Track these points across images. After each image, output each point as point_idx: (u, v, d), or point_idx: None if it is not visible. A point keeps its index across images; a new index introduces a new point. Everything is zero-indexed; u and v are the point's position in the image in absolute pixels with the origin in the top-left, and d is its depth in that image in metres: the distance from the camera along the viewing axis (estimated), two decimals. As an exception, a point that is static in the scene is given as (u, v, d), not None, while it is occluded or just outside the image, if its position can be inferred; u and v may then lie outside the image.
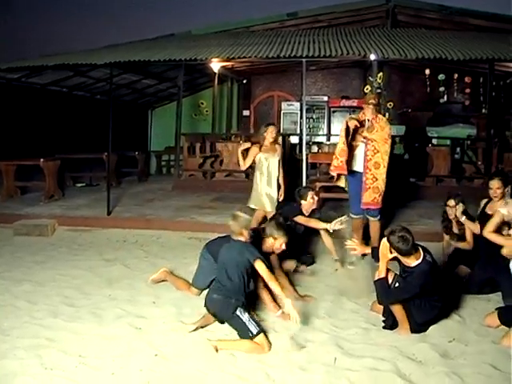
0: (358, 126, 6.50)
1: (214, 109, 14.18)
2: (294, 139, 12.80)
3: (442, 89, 15.02)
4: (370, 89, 10.30)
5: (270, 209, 6.97)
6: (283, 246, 5.02)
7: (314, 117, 15.53)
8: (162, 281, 5.74)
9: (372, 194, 6.56)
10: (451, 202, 5.96)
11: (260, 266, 4.37)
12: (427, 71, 14.56)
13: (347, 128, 6.48)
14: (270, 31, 12.45)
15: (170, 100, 16.01)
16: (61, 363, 3.84)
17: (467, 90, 14.94)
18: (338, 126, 14.94)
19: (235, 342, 4.25)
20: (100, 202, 9.41)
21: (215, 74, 13.14)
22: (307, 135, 11.45)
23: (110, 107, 8.90)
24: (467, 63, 11.87)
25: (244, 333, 4.23)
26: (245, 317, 4.30)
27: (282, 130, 14.90)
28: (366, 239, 6.79)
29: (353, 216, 6.82)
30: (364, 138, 6.58)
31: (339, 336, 4.44)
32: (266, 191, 7.03)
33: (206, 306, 4.59)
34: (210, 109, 14.84)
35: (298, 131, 14.27)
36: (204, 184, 11.63)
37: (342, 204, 8.86)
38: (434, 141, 12.37)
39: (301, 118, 10.46)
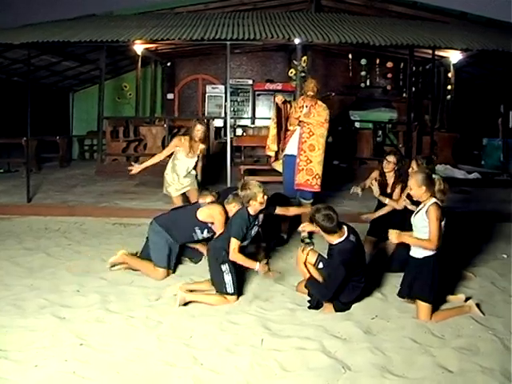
0: (284, 100, 6.68)
1: (137, 92, 13.90)
2: (219, 122, 12.76)
3: (364, 73, 15.39)
4: (294, 72, 10.38)
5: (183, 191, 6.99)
6: (265, 198, 5.00)
7: (239, 100, 15.56)
8: (121, 263, 5.65)
9: (305, 175, 6.64)
10: (390, 158, 6.14)
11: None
12: (350, 56, 14.86)
13: (277, 105, 6.62)
14: (194, 13, 12.30)
15: (92, 83, 15.59)
16: (-21, 358, 3.68)
17: (389, 75, 15.38)
18: (263, 109, 15.10)
19: (204, 296, 4.78)
20: (19, 188, 9.06)
21: (138, 56, 12.87)
22: (232, 118, 11.43)
23: (27, 90, 8.55)
24: (388, 49, 12.21)
25: (219, 287, 4.75)
26: (227, 275, 4.73)
27: (206, 114, 14.84)
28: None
29: None
30: (300, 122, 6.67)
31: (266, 317, 4.48)
32: (180, 182, 6.96)
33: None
34: (133, 92, 14.56)
35: (223, 114, 14.24)
36: (128, 169, 11.38)
37: (267, 187, 8.91)
38: (357, 124, 12.67)
39: (225, 101, 10.43)
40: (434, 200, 4.41)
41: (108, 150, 11.80)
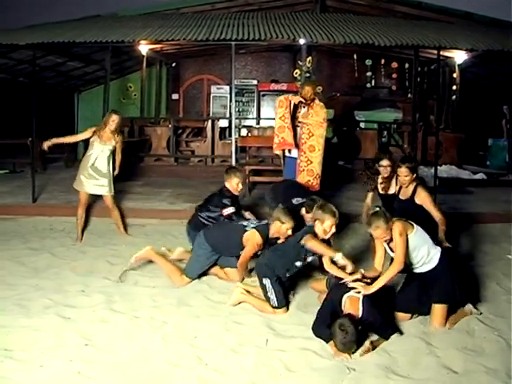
0: (303, 101, 6.67)
1: (142, 92, 13.89)
2: (224, 123, 12.76)
3: (369, 73, 15.35)
4: (299, 73, 10.38)
5: (91, 191, 7.10)
6: (289, 232, 5.04)
7: (244, 100, 15.51)
8: (144, 258, 5.68)
9: (306, 176, 6.67)
10: (384, 162, 5.70)
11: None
12: (355, 56, 14.83)
13: (290, 104, 6.64)
14: (199, 14, 12.29)
15: (98, 83, 15.57)
16: (-15, 358, 3.69)
17: (394, 75, 15.33)
18: (268, 109, 15.02)
19: (257, 300, 4.75)
20: (24, 189, 9.06)
21: (143, 56, 12.86)
22: (237, 119, 11.42)
23: (33, 90, 8.57)
24: (393, 49, 12.18)
25: (267, 300, 4.70)
26: (270, 291, 4.66)
27: (211, 114, 14.82)
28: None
29: None
30: (299, 122, 6.68)
31: (270, 318, 4.50)
32: (89, 173, 7.06)
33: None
34: (138, 92, 14.54)
35: (228, 115, 14.23)
36: (132, 169, 11.41)
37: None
38: (362, 124, 12.64)
39: (230, 101, 10.42)
40: (396, 224, 4.32)
41: (113, 150, 11.79)
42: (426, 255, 4.39)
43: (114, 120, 6.90)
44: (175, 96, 16.44)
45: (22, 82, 13.42)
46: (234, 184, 5.87)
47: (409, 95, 14.07)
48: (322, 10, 12.90)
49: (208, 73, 16.48)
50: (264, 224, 5.24)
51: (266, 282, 4.68)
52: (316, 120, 6.63)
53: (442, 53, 10.07)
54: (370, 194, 6.01)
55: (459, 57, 11.48)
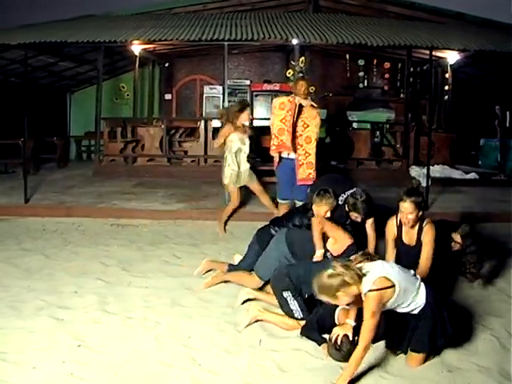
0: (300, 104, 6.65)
1: (135, 92, 13.88)
2: (217, 123, 12.75)
3: (361, 74, 15.41)
4: (292, 73, 10.39)
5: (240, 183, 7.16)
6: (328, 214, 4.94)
7: (237, 100, 15.50)
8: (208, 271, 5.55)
9: (306, 169, 6.66)
10: (457, 237, 4.97)
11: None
12: (348, 56, 14.88)
13: (295, 107, 6.60)
14: (192, 14, 12.31)
15: (90, 83, 15.58)
16: (-23, 359, 3.68)
17: (386, 76, 15.40)
18: (261, 109, 15.06)
19: (277, 317, 4.30)
20: (17, 189, 9.03)
21: (136, 56, 12.85)
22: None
23: (25, 91, 8.53)
24: (386, 49, 12.23)
25: (289, 314, 4.26)
26: (292, 302, 4.24)
27: (204, 114, 14.83)
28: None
29: (280, 201, 6.89)
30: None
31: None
32: (234, 169, 7.08)
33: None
34: (131, 92, 14.53)
35: (221, 115, 14.22)
36: (125, 169, 11.40)
37: (266, 187, 8.94)
38: (355, 124, 12.68)
39: (223, 101, 10.41)
40: (365, 288, 3.42)
41: (105, 150, 11.78)
42: (408, 306, 3.64)
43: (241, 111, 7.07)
44: (168, 96, 16.45)
45: (14, 82, 13.40)
46: (321, 212, 5.04)
47: (401, 95, 14.16)
48: (315, 10, 12.94)
49: (201, 73, 16.50)
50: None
51: (287, 294, 4.24)
52: (310, 113, 6.63)
53: (434, 53, 10.12)
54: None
55: (451, 57, 11.54)
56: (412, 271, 3.79)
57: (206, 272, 5.53)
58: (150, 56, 14.13)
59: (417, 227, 4.50)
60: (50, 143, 13.18)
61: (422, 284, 3.68)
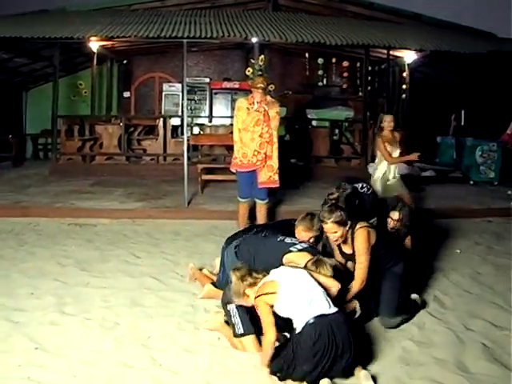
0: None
1: (93, 90, 13.68)
2: (176, 121, 12.68)
3: (321, 72, 15.52)
4: (251, 71, 10.40)
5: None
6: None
7: (196, 98, 15.47)
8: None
9: (267, 172, 6.62)
10: (395, 215, 5.02)
11: None
12: (307, 55, 14.97)
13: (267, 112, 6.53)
14: (151, 10, 12.19)
15: (46, 80, 15.26)
16: None
17: (345, 74, 15.57)
18: (220, 107, 15.02)
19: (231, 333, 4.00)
20: (-30, 189, 8.82)
21: (94, 53, 12.67)
22: (189, 117, 11.38)
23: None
24: (345, 48, 12.35)
25: (233, 330, 3.96)
26: (234, 315, 3.96)
27: (163, 112, 14.72)
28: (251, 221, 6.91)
29: (240, 200, 6.83)
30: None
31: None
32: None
33: None
34: (88, 90, 14.33)
35: (180, 113, 14.15)
36: (83, 168, 11.23)
37: (225, 186, 8.96)
38: (314, 122, 12.78)
39: (182, 99, 10.37)
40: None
41: (63, 149, 11.58)
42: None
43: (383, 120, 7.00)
44: (127, 94, 16.27)
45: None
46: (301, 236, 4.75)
47: (360, 94, 14.31)
48: (275, 9, 12.97)
49: (160, 70, 16.37)
50: (311, 246, 4.53)
51: (230, 307, 4.00)
52: (269, 113, 6.58)
53: (391, 52, 10.30)
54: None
55: (408, 56, 11.74)
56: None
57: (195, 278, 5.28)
58: (108, 53, 13.95)
59: (350, 236, 4.22)
60: (4, 141, 12.89)
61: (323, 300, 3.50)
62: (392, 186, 6.74)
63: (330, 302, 3.50)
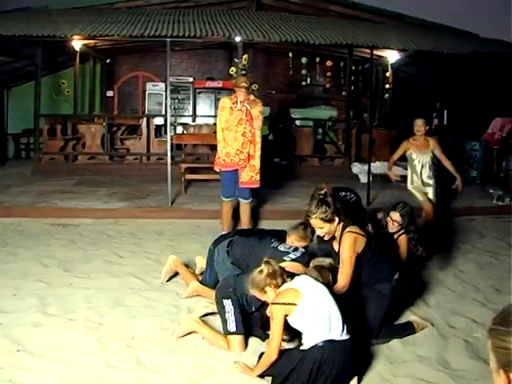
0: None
1: (75, 89, 13.57)
2: (159, 120, 12.63)
3: (304, 72, 15.54)
4: (235, 70, 10.38)
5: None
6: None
7: (180, 98, 15.38)
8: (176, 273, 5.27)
9: (249, 172, 6.60)
10: (395, 215, 5.06)
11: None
12: (290, 54, 14.98)
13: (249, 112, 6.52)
14: (134, 9, 12.12)
15: (28, 79, 15.08)
16: None
17: (328, 74, 15.59)
18: (204, 107, 14.96)
19: (210, 332, 4.01)
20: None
21: (76, 52, 12.57)
22: (172, 116, 11.33)
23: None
24: (328, 48, 12.38)
25: (223, 325, 3.98)
26: (229, 311, 3.94)
27: (146, 111, 14.65)
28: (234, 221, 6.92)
29: (224, 199, 6.78)
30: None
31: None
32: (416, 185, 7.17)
33: None
34: (71, 89, 14.20)
35: (163, 112, 14.11)
36: (66, 168, 11.15)
37: (209, 185, 8.95)
38: (298, 122, 12.81)
39: (166, 98, 10.34)
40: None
41: (45, 148, 11.49)
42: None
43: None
44: (110, 93, 16.14)
45: None
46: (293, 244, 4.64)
47: (343, 93, 14.37)
48: (258, 8, 12.96)
49: (143, 69, 16.28)
50: (303, 254, 4.43)
51: (227, 303, 3.98)
52: (252, 112, 6.58)
53: (375, 52, 10.32)
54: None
55: (392, 56, 11.80)
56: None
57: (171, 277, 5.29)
58: (90, 52, 13.84)
59: (339, 234, 4.06)
60: (-15, 141, 12.75)
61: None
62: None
63: (345, 328, 3.41)
